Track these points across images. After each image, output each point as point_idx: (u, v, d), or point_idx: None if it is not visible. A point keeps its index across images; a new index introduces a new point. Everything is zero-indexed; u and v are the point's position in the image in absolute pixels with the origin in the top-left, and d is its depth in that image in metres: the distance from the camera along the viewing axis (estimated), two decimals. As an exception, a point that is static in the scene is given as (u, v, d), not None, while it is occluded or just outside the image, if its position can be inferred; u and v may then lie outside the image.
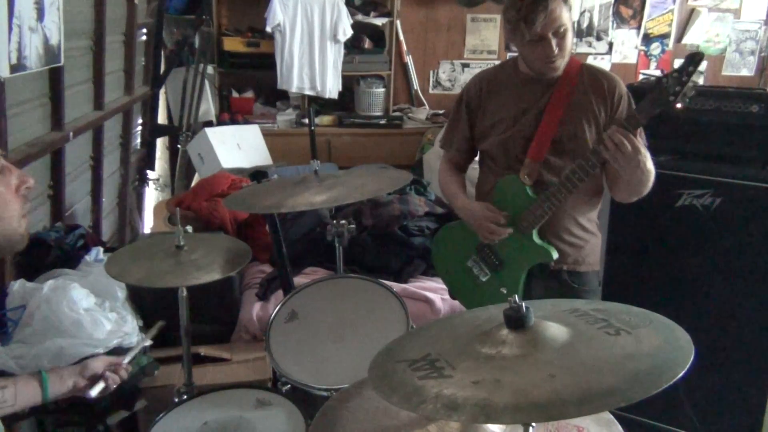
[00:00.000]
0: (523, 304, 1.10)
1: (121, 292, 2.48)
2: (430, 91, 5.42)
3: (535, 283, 2.11)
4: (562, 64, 1.99)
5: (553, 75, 2.01)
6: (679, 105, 1.77)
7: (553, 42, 1.91)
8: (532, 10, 1.86)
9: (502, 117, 2.09)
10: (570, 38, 1.95)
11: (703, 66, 5.40)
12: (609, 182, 2.08)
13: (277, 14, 4.57)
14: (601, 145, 1.82)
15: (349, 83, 5.03)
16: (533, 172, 2.04)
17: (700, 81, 1.78)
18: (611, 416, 1.35)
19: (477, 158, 2.30)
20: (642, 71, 5.35)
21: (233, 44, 4.77)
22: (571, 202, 2.03)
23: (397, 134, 5.01)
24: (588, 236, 2.15)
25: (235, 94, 5.01)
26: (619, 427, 1.36)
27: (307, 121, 4.50)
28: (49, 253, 2.58)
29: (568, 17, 1.91)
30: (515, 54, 2.11)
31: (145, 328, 2.46)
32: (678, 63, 1.83)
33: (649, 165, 1.87)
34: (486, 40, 5.33)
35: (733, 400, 2.50)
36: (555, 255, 2.06)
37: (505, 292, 2.11)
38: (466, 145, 2.22)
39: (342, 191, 1.98)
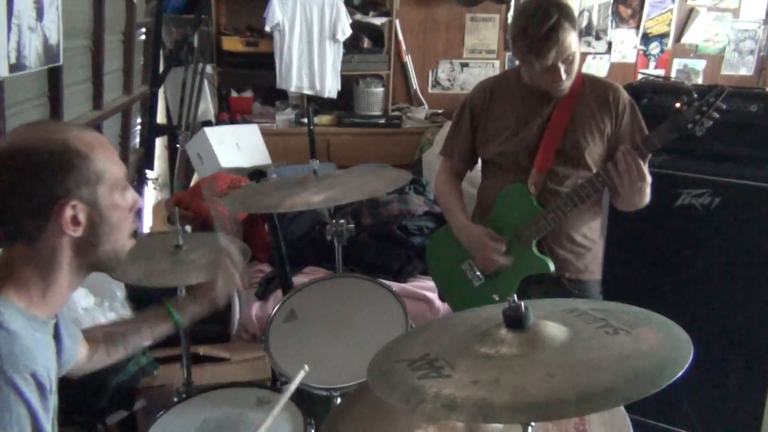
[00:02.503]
0: (522, 303, 1.11)
1: (120, 292, 2.48)
2: (429, 90, 5.41)
3: (534, 289, 2.09)
4: (569, 85, 1.97)
5: (559, 95, 2.00)
6: (697, 133, 1.78)
7: (562, 68, 1.89)
8: (544, 44, 1.83)
9: (505, 125, 2.08)
10: (577, 60, 1.93)
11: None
12: (611, 192, 2.06)
13: (276, 14, 4.57)
14: (612, 163, 1.85)
15: (348, 83, 5.02)
16: (538, 182, 2.03)
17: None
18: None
19: (479, 164, 2.29)
20: (641, 71, 5.34)
21: (232, 44, 4.77)
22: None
23: (396, 134, 5.00)
24: (590, 244, 2.14)
25: (234, 94, 5.00)
26: (623, 410, 1.35)
27: (306, 120, 4.49)
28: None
29: (576, 43, 1.89)
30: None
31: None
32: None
33: (648, 191, 1.91)
34: (485, 39, 5.32)
35: (733, 399, 2.50)
36: (552, 268, 2.05)
37: (497, 299, 2.11)
38: (467, 153, 2.21)
39: (340, 191, 1.98)
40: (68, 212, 1.09)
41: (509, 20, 5.19)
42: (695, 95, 1.77)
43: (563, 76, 1.90)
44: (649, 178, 1.86)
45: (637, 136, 2.02)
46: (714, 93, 1.76)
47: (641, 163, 1.83)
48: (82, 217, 1.11)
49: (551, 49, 1.83)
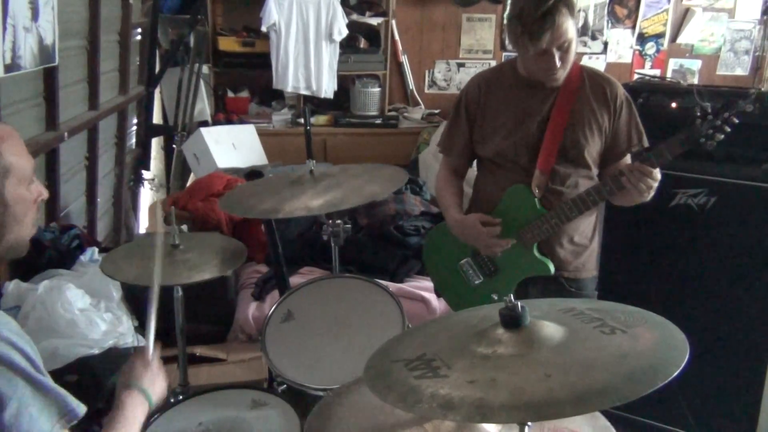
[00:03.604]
0: (519, 303, 1.11)
1: (116, 293, 2.47)
2: (426, 90, 5.41)
3: (533, 287, 2.09)
4: (563, 75, 1.94)
5: (553, 85, 1.97)
6: (708, 148, 1.80)
7: (557, 55, 1.86)
8: (539, 26, 1.80)
9: (502, 121, 2.05)
10: (573, 50, 1.90)
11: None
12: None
13: (273, 14, 4.57)
14: (624, 177, 1.86)
15: (344, 83, 5.03)
16: (541, 183, 2.01)
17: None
18: (606, 421, 1.35)
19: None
20: (637, 71, 5.35)
21: (228, 44, 4.76)
22: None
23: (393, 134, 5.01)
24: (588, 242, 2.13)
25: (230, 94, 5.00)
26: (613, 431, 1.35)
27: (302, 120, 4.49)
28: (44, 253, 2.57)
29: (573, 30, 1.86)
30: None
31: (140, 329, 2.45)
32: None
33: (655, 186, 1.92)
34: (481, 39, 5.33)
35: (729, 398, 2.51)
36: (552, 270, 2.04)
37: (495, 298, 2.10)
38: (467, 149, 2.17)
39: (338, 194, 1.97)
40: None
41: (505, 20, 5.19)
42: (709, 108, 1.78)
43: (557, 63, 1.87)
44: (659, 176, 1.87)
45: (634, 133, 2.02)
46: (728, 107, 1.77)
47: (651, 170, 1.84)
48: None
49: (546, 31, 1.80)
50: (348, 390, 1.48)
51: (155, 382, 1.41)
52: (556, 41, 1.83)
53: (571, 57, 1.91)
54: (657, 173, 1.85)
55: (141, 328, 2.48)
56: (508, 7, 2.04)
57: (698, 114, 1.79)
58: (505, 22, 5.10)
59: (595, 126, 2.00)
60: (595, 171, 2.07)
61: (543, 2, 1.80)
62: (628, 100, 2.04)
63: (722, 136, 1.78)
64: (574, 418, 1.31)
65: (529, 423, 1.08)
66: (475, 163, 2.26)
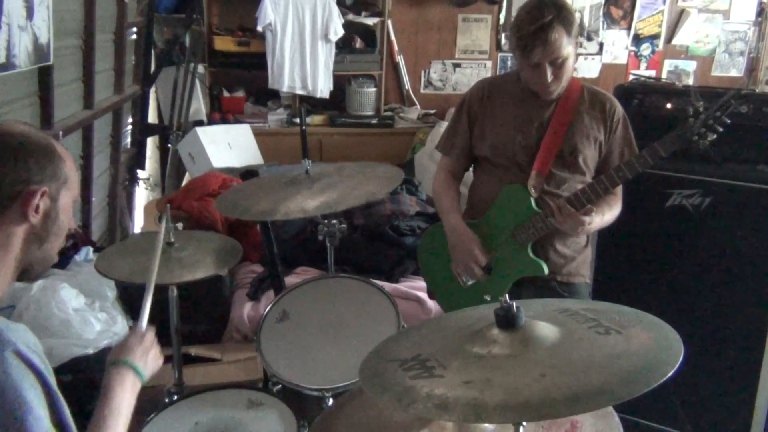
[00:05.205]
0: (514, 303, 1.11)
1: (110, 292, 2.46)
2: (422, 90, 5.41)
3: (525, 291, 2.10)
4: (557, 89, 1.99)
5: (547, 98, 2.02)
6: (701, 147, 1.83)
7: (549, 70, 1.91)
8: (531, 41, 1.86)
9: (503, 123, 2.09)
10: (569, 66, 1.95)
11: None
12: None
13: (268, 13, 4.56)
14: (553, 213, 1.94)
15: (340, 83, 5.02)
16: (538, 185, 2.04)
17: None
18: (610, 408, 1.36)
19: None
20: (632, 72, 5.36)
21: (224, 43, 4.76)
22: None
23: (389, 134, 5.01)
24: (581, 248, 2.16)
25: (225, 94, 4.99)
26: (616, 418, 1.36)
27: (298, 120, 4.49)
28: (39, 252, 2.56)
29: (570, 48, 1.90)
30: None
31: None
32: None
33: (594, 227, 1.99)
34: (477, 40, 5.33)
35: (723, 398, 2.52)
36: (546, 270, 2.06)
37: (488, 299, 2.11)
38: (466, 150, 2.20)
39: (334, 195, 1.96)
40: (36, 198, 1.14)
41: (501, 21, 5.21)
42: (701, 104, 1.81)
43: (549, 77, 1.92)
44: (587, 221, 1.92)
45: (626, 150, 2.07)
46: (721, 107, 1.80)
47: (575, 213, 1.91)
48: (42, 207, 1.16)
49: (537, 46, 1.85)
50: (347, 401, 1.48)
51: (147, 354, 1.38)
52: (548, 57, 1.88)
53: (567, 73, 1.96)
54: (582, 218, 1.90)
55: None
56: (511, 14, 2.09)
57: (691, 113, 1.83)
58: (500, 38, 5.15)
59: (591, 137, 2.05)
60: (590, 179, 2.10)
61: (538, 18, 1.85)
62: (625, 119, 2.09)
63: (714, 136, 1.81)
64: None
65: (524, 423, 1.08)
66: (472, 167, 2.28)
